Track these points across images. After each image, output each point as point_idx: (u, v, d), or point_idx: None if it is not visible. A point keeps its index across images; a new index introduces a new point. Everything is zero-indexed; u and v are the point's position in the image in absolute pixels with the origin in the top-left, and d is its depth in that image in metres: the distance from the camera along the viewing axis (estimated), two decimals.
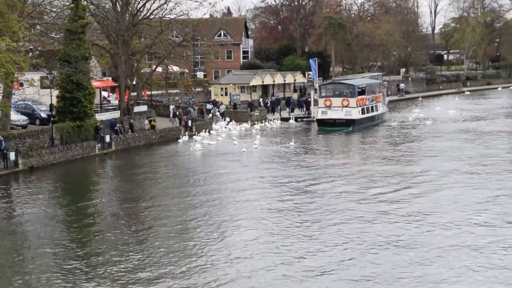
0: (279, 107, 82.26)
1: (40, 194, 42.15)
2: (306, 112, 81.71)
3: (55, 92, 56.14)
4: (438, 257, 25.75)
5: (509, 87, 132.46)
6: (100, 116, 61.11)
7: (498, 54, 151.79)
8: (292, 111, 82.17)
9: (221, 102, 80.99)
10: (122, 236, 31.17)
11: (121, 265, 25.98)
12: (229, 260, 26.20)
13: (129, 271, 25.17)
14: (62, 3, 60.05)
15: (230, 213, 35.22)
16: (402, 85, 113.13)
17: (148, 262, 26.43)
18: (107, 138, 56.38)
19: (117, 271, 25.23)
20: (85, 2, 61.32)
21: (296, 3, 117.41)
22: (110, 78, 73.82)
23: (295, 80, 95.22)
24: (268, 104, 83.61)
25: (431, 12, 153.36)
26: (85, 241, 30.42)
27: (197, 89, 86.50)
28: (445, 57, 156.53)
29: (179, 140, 63.04)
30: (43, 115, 57.03)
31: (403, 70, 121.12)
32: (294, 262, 25.65)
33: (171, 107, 71.79)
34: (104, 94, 70.99)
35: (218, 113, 74.73)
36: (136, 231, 31.97)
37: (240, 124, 72.41)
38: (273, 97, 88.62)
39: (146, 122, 64.21)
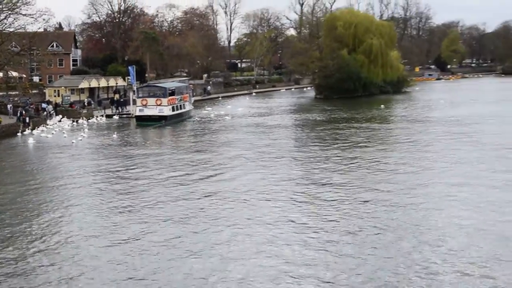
0: (103, 105, 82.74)
1: None
2: (121, 110, 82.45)
3: None
4: (228, 227, 25.44)
5: (290, 89, 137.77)
6: None
7: (280, 62, 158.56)
8: (117, 108, 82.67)
9: (54, 102, 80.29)
10: None
11: None
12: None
13: None
14: None
15: (50, 198, 33.07)
16: (209, 88, 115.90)
17: None
18: None
19: None
20: None
21: (117, 20, 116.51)
22: None
23: (116, 83, 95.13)
24: (92, 104, 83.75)
25: (227, 29, 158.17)
26: None
27: (33, 91, 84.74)
28: (239, 65, 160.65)
29: (18, 134, 61.26)
30: None
31: (205, 75, 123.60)
32: (116, 234, 24.83)
33: (9, 105, 70.55)
34: None
35: (52, 111, 73.95)
36: None
37: (72, 120, 71.88)
38: (98, 98, 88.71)
39: None
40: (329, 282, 19.69)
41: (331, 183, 35.31)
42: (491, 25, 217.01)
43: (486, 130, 58.42)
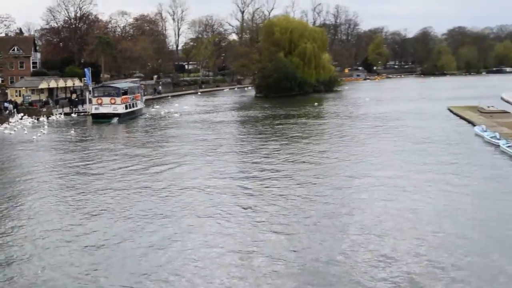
0: (61, 104, 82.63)
1: None
2: (78, 108, 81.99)
3: None
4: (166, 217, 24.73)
5: (233, 88, 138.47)
6: None
7: (224, 65, 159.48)
8: (75, 107, 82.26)
9: (15, 101, 79.62)
10: None
11: None
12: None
13: None
14: None
15: (12, 188, 32.07)
16: (159, 88, 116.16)
17: None
18: None
19: None
20: None
21: (73, 26, 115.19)
22: None
23: (74, 84, 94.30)
24: (50, 103, 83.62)
25: (175, 34, 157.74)
26: None
27: None
28: (186, 67, 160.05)
29: None
30: None
31: (155, 76, 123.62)
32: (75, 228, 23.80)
33: None
34: None
35: (14, 110, 73.42)
36: None
37: (33, 118, 71.19)
38: (56, 97, 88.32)
39: None
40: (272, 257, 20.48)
41: (269, 172, 35.38)
42: (411, 31, 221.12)
43: (407, 125, 59.25)
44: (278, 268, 19.41)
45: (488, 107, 69.67)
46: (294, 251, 21.16)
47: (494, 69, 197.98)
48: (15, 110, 74.15)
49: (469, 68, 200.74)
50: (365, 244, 21.65)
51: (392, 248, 21.30)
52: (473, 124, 55.56)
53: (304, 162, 38.98)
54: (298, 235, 22.67)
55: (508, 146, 40.67)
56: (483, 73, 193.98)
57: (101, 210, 27.38)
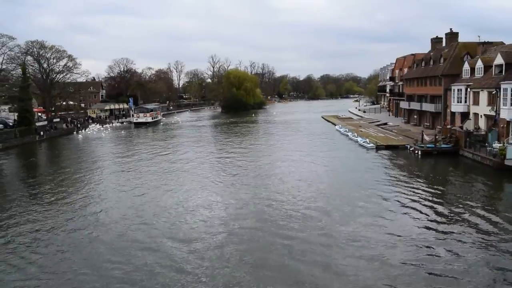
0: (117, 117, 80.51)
1: None
2: (126, 119, 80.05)
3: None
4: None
5: (210, 107, 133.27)
6: (38, 123, 55.64)
7: (204, 95, 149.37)
8: (125, 118, 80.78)
9: (91, 116, 77.49)
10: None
11: None
12: None
13: None
14: (17, 75, 56.43)
15: (88, 168, 28.87)
16: (171, 108, 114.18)
17: None
18: (41, 133, 52.57)
19: None
20: (28, 74, 57.60)
21: (122, 75, 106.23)
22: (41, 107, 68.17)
23: (123, 107, 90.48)
24: (110, 117, 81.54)
25: (177, 78, 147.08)
26: None
27: (81, 111, 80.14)
28: (184, 96, 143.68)
29: (74, 133, 58.15)
30: (10, 123, 52.80)
31: (167, 102, 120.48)
32: None
33: (69, 119, 67.30)
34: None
35: (91, 121, 72.70)
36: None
37: (101, 125, 68.73)
38: (114, 114, 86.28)
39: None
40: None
41: (227, 152, 35.45)
42: (302, 76, 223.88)
43: (301, 125, 60.62)
44: (234, 201, 19.93)
45: (342, 115, 72.80)
46: (245, 194, 21.46)
47: (345, 96, 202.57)
48: (91, 121, 73.85)
49: (332, 95, 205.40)
50: (283, 188, 22.02)
51: (297, 187, 21.86)
52: (335, 125, 57.82)
53: (245, 147, 38.87)
54: (242, 186, 23.22)
55: (353, 135, 43.28)
56: (339, 98, 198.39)
57: (136, 166, 27.52)
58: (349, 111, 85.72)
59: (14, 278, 12.46)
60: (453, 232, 15.36)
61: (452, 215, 17.47)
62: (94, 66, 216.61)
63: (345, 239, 14.86)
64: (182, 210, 19.09)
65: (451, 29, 47.39)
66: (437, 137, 33.68)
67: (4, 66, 55.67)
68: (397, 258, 13.20)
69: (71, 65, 65.97)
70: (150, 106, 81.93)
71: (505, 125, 29.13)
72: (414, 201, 19.63)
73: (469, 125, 34.45)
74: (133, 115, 74.69)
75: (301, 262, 12.90)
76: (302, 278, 11.73)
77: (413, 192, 21.20)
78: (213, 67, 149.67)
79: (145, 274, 12.39)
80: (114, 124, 73.78)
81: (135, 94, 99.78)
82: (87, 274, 12.52)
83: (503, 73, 31.20)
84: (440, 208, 18.41)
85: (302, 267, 12.54)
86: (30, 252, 14.36)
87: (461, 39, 46.06)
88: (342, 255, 13.53)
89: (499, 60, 32.40)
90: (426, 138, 34.97)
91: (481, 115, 33.37)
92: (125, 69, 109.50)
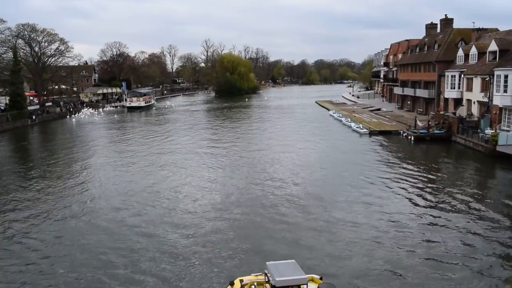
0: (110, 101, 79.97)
1: None
2: (119, 103, 79.34)
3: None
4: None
5: (203, 92, 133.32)
6: (30, 107, 55.35)
7: (198, 79, 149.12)
8: (119, 102, 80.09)
9: (83, 100, 76.81)
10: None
11: None
12: None
13: None
14: (8, 59, 55.43)
15: (75, 150, 29.49)
16: (165, 92, 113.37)
17: None
18: (34, 117, 52.38)
19: None
20: (19, 58, 56.68)
21: (115, 59, 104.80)
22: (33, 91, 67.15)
23: (116, 91, 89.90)
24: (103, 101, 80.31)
25: (171, 63, 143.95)
26: None
27: (74, 95, 79.85)
28: (177, 80, 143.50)
29: (67, 117, 58.14)
30: (2, 107, 52.38)
31: (160, 86, 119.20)
32: None
33: (61, 103, 66.90)
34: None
35: (83, 105, 71.11)
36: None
37: (94, 109, 68.37)
38: (107, 98, 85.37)
39: None
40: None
41: (220, 135, 36.38)
42: (296, 61, 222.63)
43: (295, 110, 60.80)
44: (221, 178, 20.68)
45: (336, 101, 72.57)
46: (239, 180, 21.88)
47: (339, 81, 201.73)
48: (84, 105, 73.06)
49: (326, 80, 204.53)
50: (276, 174, 22.46)
51: (289, 172, 22.34)
52: (328, 110, 58.01)
53: (239, 133, 38.81)
54: (235, 171, 22.97)
55: (346, 121, 43.33)
56: (333, 83, 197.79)
57: (130, 151, 27.84)
58: (343, 97, 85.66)
59: (12, 263, 12.50)
60: (444, 217, 15.47)
61: (443, 199, 17.64)
62: (86, 50, 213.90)
63: (338, 224, 14.92)
64: (175, 195, 18.97)
65: (446, 15, 47.13)
66: (430, 123, 33.80)
67: None
68: (390, 243, 13.30)
69: (63, 48, 65.08)
70: (143, 90, 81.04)
71: (497, 112, 29.27)
72: (405, 186, 19.79)
73: (462, 111, 34.62)
74: (126, 99, 74.10)
75: (296, 246, 13.03)
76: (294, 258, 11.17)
77: (405, 177, 21.39)
78: (207, 52, 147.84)
79: (142, 257, 12.55)
80: (107, 108, 73.05)
81: (128, 78, 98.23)
82: (86, 259, 12.63)
83: (497, 60, 31.26)
84: (431, 193, 18.62)
85: (296, 251, 12.59)
86: (28, 238, 14.43)
87: (456, 25, 46.22)
88: (334, 239, 13.59)
89: (493, 46, 32.42)
90: (419, 123, 35.14)
91: (474, 102, 33.50)
92: (117, 53, 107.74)
